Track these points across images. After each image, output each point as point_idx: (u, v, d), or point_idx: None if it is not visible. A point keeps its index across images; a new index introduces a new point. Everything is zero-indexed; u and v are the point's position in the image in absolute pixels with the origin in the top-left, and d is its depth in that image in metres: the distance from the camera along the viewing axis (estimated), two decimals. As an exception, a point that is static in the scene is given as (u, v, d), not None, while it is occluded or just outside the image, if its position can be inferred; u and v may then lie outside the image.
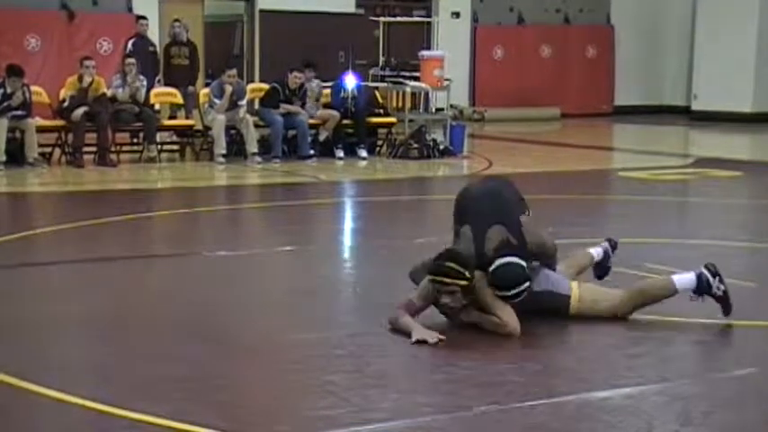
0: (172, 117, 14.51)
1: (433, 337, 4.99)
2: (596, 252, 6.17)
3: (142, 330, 5.40)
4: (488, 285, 5.22)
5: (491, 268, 5.22)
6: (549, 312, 5.39)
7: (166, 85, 14.64)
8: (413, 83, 15.22)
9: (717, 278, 5.43)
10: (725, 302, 5.44)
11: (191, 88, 14.67)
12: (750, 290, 6.27)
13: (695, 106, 21.32)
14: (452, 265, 5.13)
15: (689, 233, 8.47)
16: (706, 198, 11.00)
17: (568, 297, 5.43)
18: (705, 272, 5.45)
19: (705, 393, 4.35)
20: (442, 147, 14.25)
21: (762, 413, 4.15)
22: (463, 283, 5.12)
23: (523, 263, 5.24)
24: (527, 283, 5.22)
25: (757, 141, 17.87)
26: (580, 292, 5.46)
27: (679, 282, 5.48)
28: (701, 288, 5.44)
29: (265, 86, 14.30)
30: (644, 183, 11.97)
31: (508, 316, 5.16)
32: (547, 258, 5.55)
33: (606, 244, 6.24)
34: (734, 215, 9.76)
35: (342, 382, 4.45)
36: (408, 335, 5.04)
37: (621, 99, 22.89)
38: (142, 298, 6.19)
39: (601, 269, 6.19)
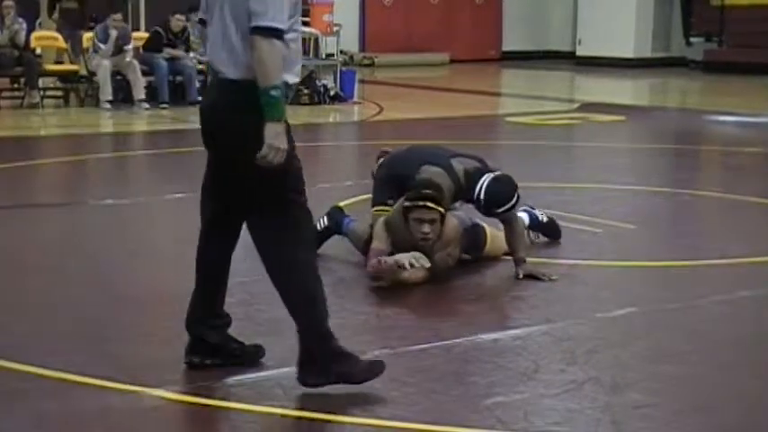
0: (59, 62, 14.06)
1: (423, 260, 4.95)
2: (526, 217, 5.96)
3: (28, 281, 5.29)
4: (480, 207, 5.30)
5: (481, 187, 5.25)
6: (467, 249, 5.47)
7: (58, 30, 14.13)
8: (302, 28, 15.05)
9: (537, 210, 6.00)
10: (554, 228, 6.02)
11: (81, 32, 14.20)
12: (630, 231, 6.48)
13: (580, 52, 21.69)
14: (432, 191, 5.08)
15: (574, 177, 8.67)
16: (590, 142, 11.26)
17: (486, 234, 5.53)
18: (528, 209, 5.95)
19: (588, 333, 4.50)
20: (332, 92, 14.19)
21: (640, 350, 4.32)
22: (442, 209, 5.09)
23: (508, 175, 5.38)
24: (516, 196, 5.31)
25: (638, 86, 18.33)
26: (490, 231, 5.57)
27: (524, 219, 5.87)
28: (533, 221, 5.95)
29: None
30: (531, 128, 12.18)
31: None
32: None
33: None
34: (616, 159, 10.03)
35: (233, 329, 4.43)
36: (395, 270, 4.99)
37: (509, 45, 23.13)
38: (26, 249, 6.05)
39: (550, 230, 6.08)
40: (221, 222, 3.83)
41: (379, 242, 5.14)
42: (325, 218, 5.69)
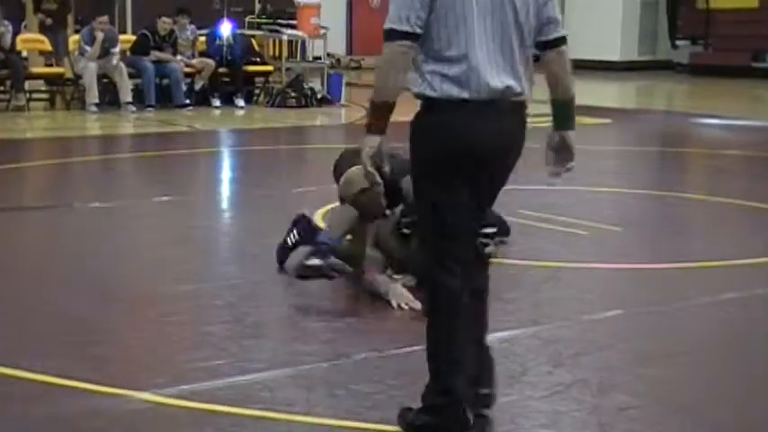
0: (48, 65, 13.99)
1: (414, 302, 4.79)
2: None
3: (14, 284, 5.27)
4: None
5: None
6: None
7: (40, 30, 14.06)
8: (289, 31, 15.08)
9: None
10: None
11: (63, 33, 14.13)
12: (615, 233, 6.50)
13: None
14: None
15: (560, 179, 8.67)
16: (576, 145, 11.25)
17: None
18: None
19: (575, 336, 4.50)
20: (319, 95, 14.19)
21: (627, 353, 4.33)
22: None
23: None
24: None
25: (625, 89, 18.38)
26: None
27: None
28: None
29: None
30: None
31: None
32: None
33: None
34: (602, 161, 10.04)
35: (220, 332, 4.45)
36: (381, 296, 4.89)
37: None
38: (12, 251, 6.03)
39: None
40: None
41: (376, 266, 5.08)
42: (295, 232, 5.39)
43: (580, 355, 4.22)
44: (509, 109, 3.32)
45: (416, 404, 3.48)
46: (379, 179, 3.29)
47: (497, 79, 3.23)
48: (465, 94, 3.20)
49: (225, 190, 8.66)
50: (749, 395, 3.93)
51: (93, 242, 6.22)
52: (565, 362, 4.13)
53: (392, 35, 3.17)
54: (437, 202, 3.31)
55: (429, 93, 3.24)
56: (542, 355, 4.22)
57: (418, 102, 3.34)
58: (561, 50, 3.40)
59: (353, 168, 5.05)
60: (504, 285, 5.31)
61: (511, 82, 3.26)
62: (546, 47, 3.37)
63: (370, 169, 3.27)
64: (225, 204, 7.96)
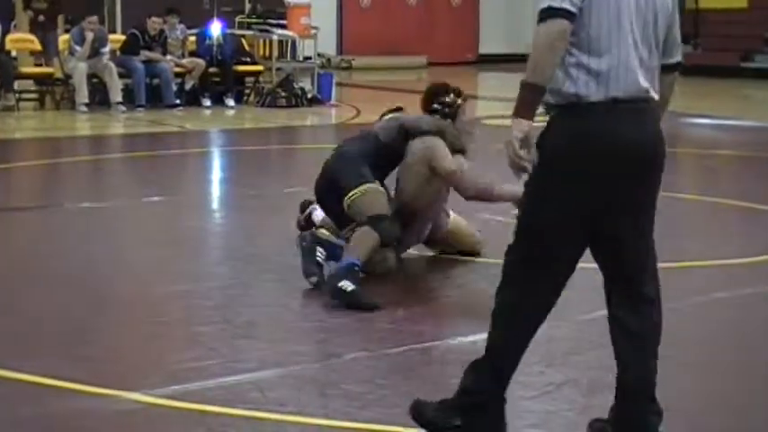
0: (38, 65, 13.94)
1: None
2: None
3: (4, 285, 5.25)
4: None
5: None
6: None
7: (30, 30, 14.01)
8: (280, 30, 15.06)
9: None
10: None
11: (53, 32, 14.07)
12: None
13: (557, 55, 21.78)
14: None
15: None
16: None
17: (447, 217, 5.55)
18: None
19: (568, 335, 4.50)
20: (310, 95, 14.18)
21: (619, 352, 4.32)
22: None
23: None
24: None
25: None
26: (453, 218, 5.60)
27: None
28: None
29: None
30: (509, 130, 12.17)
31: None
32: None
33: None
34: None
35: (211, 333, 4.43)
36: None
37: (485, 48, 23.17)
38: (3, 251, 6.00)
39: None
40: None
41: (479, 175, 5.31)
42: (321, 250, 5.15)
43: (572, 354, 4.22)
44: (653, 114, 3.12)
45: (408, 404, 3.48)
46: (529, 167, 3.14)
47: (643, 80, 3.03)
48: (613, 93, 2.98)
49: (216, 190, 8.64)
50: (740, 395, 3.93)
51: (83, 242, 6.19)
52: (556, 361, 4.12)
53: (550, 13, 2.99)
54: (541, 212, 3.31)
55: (573, 90, 3.03)
56: (534, 354, 4.19)
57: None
58: (676, 76, 3.33)
59: (374, 187, 5.07)
60: (495, 285, 5.30)
61: (649, 86, 3.07)
62: (667, 69, 3.25)
63: (521, 153, 3.07)
64: (216, 204, 7.93)
